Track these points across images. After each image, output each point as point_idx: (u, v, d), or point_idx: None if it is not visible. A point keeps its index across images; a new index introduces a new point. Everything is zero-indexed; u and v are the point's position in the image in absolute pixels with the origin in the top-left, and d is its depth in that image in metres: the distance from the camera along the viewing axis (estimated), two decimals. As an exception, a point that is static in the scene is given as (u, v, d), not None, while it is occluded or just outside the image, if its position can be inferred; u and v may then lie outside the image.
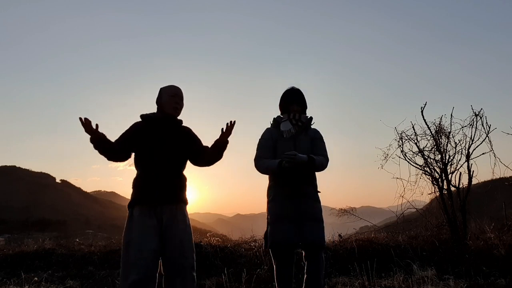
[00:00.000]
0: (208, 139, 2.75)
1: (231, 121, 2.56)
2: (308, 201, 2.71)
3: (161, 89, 2.69)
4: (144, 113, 2.67)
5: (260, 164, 2.80)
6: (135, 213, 2.42)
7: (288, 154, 2.61)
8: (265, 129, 2.95)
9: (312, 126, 2.95)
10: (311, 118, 2.93)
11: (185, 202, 2.58)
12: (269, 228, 2.73)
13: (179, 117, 2.70)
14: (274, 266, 2.73)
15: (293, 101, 2.90)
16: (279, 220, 2.67)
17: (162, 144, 2.54)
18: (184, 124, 2.73)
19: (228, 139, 2.61)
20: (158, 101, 2.67)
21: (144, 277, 2.28)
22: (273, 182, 2.81)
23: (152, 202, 2.43)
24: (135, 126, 2.61)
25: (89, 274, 4.69)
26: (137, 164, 2.57)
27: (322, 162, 2.78)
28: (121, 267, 2.35)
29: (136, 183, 2.53)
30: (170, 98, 2.61)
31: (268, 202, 2.79)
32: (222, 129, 2.55)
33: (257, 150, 2.86)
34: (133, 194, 2.50)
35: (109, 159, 2.52)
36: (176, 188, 2.54)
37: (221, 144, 2.59)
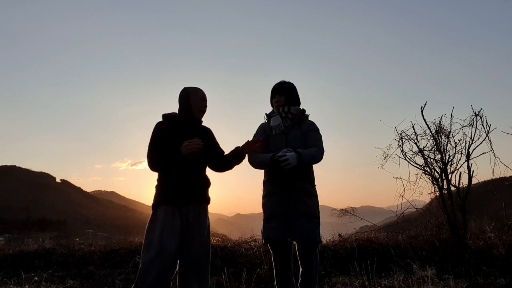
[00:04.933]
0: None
1: (257, 139, 2.64)
2: (300, 196, 2.65)
3: (187, 89, 2.67)
4: (152, 119, 2.68)
5: (253, 159, 2.77)
6: (160, 213, 2.45)
7: (280, 159, 2.54)
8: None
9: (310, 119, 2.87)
10: (303, 110, 2.86)
11: (208, 200, 2.63)
12: (263, 225, 2.73)
13: None
14: (273, 261, 2.75)
15: (275, 93, 2.87)
16: (270, 218, 2.67)
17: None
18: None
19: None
20: (184, 101, 2.64)
21: (163, 276, 2.35)
22: (266, 177, 2.80)
23: (178, 202, 2.46)
24: (159, 127, 2.61)
25: (89, 274, 4.69)
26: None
27: (312, 155, 2.66)
28: (141, 265, 2.39)
29: (161, 184, 2.53)
30: (201, 102, 2.64)
31: (262, 197, 2.78)
32: (248, 140, 2.62)
33: None
34: (158, 195, 2.52)
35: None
36: (201, 186, 2.59)
37: (240, 155, 2.65)
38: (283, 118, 2.78)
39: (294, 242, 2.76)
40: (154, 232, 2.41)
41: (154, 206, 2.50)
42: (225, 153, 2.75)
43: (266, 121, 2.93)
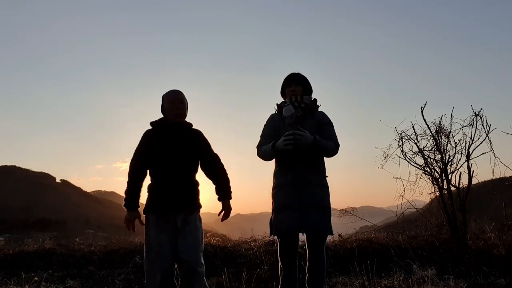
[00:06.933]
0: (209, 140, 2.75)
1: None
2: (312, 187, 2.60)
3: (162, 96, 2.69)
4: (152, 119, 2.67)
5: (260, 151, 2.75)
6: (151, 219, 2.49)
7: (291, 133, 2.50)
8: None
9: (320, 109, 2.81)
10: (315, 99, 2.79)
11: (197, 207, 2.60)
12: (273, 216, 2.68)
13: (189, 121, 2.71)
14: (278, 253, 2.69)
15: (291, 81, 2.79)
16: (282, 210, 2.61)
17: (170, 151, 2.54)
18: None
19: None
20: (162, 109, 2.68)
21: (166, 277, 2.40)
22: (277, 168, 2.75)
23: (164, 211, 2.48)
24: (146, 135, 2.62)
25: (89, 274, 4.68)
26: (149, 171, 2.58)
27: (328, 146, 2.63)
28: (146, 267, 2.44)
29: (150, 191, 2.55)
30: (171, 105, 2.62)
31: (273, 189, 2.73)
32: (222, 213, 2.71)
33: (260, 138, 2.82)
34: (147, 201, 2.54)
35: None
36: (188, 195, 2.55)
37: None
38: (295, 108, 2.70)
39: (302, 239, 2.73)
40: (150, 237, 2.46)
41: (145, 211, 2.53)
42: (217, 159, 2.73)
43: (276, 112, 2.87)
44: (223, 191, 2.70)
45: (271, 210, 2.73)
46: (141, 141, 2.60)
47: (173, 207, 2.48)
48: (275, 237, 2.72)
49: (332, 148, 2.67)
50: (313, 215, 2.56)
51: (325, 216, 2.61)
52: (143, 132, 2.65)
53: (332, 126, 2.77)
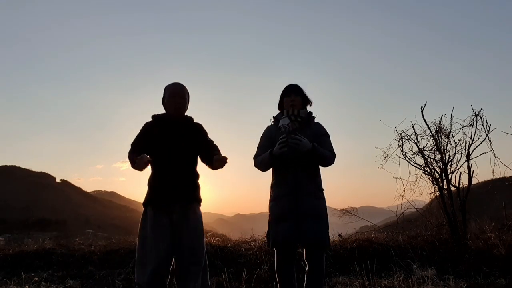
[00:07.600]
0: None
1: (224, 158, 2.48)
2: (308, 199, 2.61)
3: (164, 88, 2.69)
4: (154, 113, 2.68)
5: (256, 161, 2.77)
6: (149, 212, 2.48)
7: (285, 137, 2.52)
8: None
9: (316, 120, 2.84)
10: (310, 112, 2.83)
11: (197, 200, 2.58)
12: (270, 228, 2.69)
13: (189, 115, 2.71)
14: (276, 265, 2.70)
15: (289, 92, 2.81)
16: (279, 221, 2.62)
17: (169, 143, 2.55)
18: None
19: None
20: (163, 102, 2.68)
21: (159, 270, 2.36)
22: (274, 181, 2.76)
23: (162, 203, 2.47)
24: (145, 127, 2.64)
25: (89, 274, 4.69)
26: (150, 165, 2.57)
27: (326, 154, 2.66)
28: (137, 261, 2.43)
29: (149, 183, 2.57)
30: (171, 99, 2.63)
31: (269, 201, 2.74)
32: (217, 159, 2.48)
33: (256, 149, 2.84)
34: (146, 194, 2.56)
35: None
36: (186, 187, 2.54)
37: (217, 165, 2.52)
38: (292, 121, 2.73)
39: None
40: (146, 229, 2.45)
41: (144, 205, 2.55)
42: (216, 146, 2.67)
43: (272, 124, 2.90)
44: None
45: (268, 222, 2.73)
46: (138, 134, 2.61)
47: (169, 197, 2.47)
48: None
49: (330, 156, 2.69)
50: (311, 225, 2.57)
51: (321, 226, 2.61)
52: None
53: (329, 137, 2.80)
